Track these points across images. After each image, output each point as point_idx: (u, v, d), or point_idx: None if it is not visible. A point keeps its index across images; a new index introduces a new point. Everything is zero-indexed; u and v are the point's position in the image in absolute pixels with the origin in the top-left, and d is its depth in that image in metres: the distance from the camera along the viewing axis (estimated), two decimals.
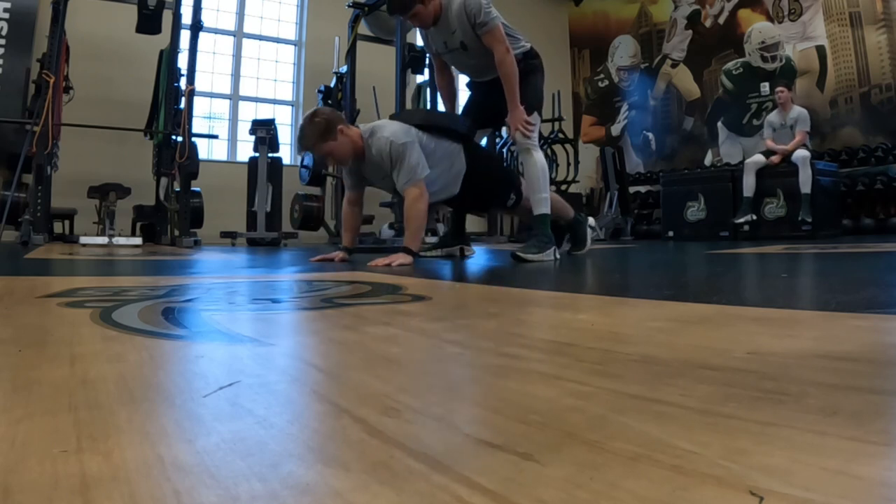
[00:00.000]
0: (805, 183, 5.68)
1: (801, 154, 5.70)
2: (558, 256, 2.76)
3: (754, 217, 5.94)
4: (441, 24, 2.68)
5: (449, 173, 2.75)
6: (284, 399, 0.48)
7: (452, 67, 3.00)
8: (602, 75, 10.37)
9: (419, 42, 6.51)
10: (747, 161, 6.11)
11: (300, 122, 2.61)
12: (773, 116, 6.06)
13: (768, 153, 5.94)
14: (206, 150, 7.28)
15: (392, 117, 2.92)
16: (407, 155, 2.55)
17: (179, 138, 5.31)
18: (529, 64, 2.79)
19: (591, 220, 3.21)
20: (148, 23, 5.24)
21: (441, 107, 3.23)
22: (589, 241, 3.15)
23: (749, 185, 5.99)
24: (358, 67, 6.51)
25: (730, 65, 8.55)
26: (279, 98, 8.48)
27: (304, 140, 2.57)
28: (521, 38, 2.81)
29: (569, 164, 8.45)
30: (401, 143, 2.55)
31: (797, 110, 5.87)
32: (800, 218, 5.68)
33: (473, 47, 2.68)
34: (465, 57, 2.76)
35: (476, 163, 2.83)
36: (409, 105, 6.87)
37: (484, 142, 5.72)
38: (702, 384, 0.50)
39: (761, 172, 5.94)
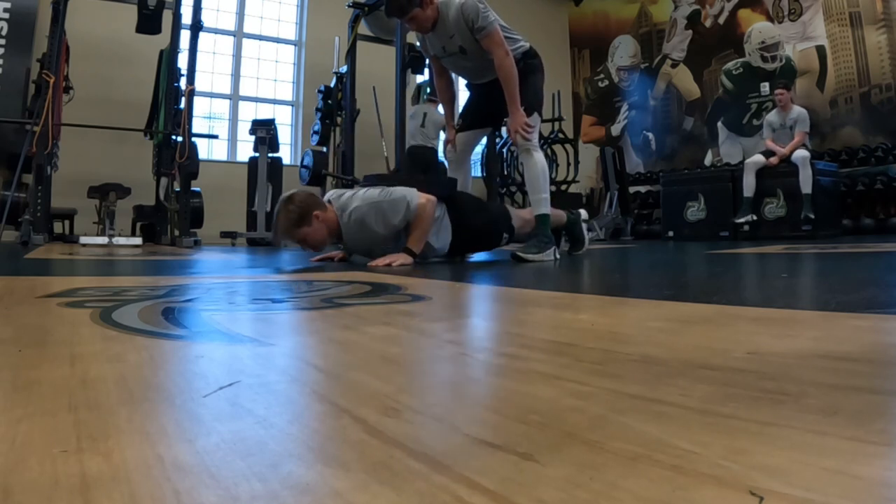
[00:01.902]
0: (805, 183, 5.67)
1: (801, 154, 5.70)
2: (558, 256, 2.76)
3: (754, 217, 5.93)
4: (439, 29, 2.68)
5: (436, 237, 2.66)
6: (284, 399, 0.48)
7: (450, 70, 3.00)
8: (602, 75, 10.36)
9: (418, 42, 6.51)
10: (747, 161, 6.11)
11: (279, 199, 2.51)
12: (772, 116, 6.05)
13: (768, 153, 5.94)
14: (206, 150, 7.28)
15: (365, 178, 2.87)
16: (388, 201, 2.46)
17: (179, 138, 5.32)
18: (528, 64, 2.79)
19: (583, 213, 3.20)
20: (148, 23, 5.24)
21: (441, 107, 3.21)
22: (587, 239, 3.15)
23: (749, 184, 5.98)
24: (358, 67, 6.51)
25: (730, 65, 8.55)
26: (279, 98, 8.48)
27: (278, 228, 2.48)
28: (519, 39, 2.81)
29: (569, 164, 8.45)
30: (375, 202, 2.47)
31: (797, 110, 5.86)
32: (802, 216, 5.66)
33: (472, 51, 2.68)
34: (463, 60, 2.76)
35: (464, 219, 2.75)
36: (408, 105, 6.86)
37: (484, 141, 5.74)
38: (702, 384, 0.50)
39: (761, 172, 5.94)
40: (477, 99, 2.99)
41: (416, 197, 2.48)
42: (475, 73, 2.86)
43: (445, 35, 2.69)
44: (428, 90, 6.69)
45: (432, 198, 2.53)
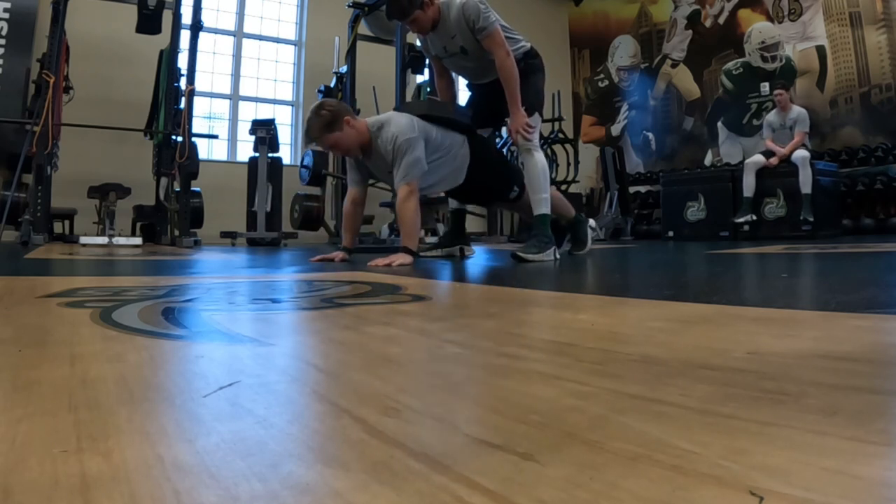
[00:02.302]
0: (805, 183, 5.67)
1: (801, 154, 5.70)
2: (558, 256, 2.76)
3: (754, 217, 5.93)
4: (440, 29, 2.69)
5: (453, 163, 2.77)
6: (284, 399, 0.48)
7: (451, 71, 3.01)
8: (602, 75, 10.37)
9: (419, 42, 6.51)
10: (747, 161, 6.11)
11: (307, 114, 2.61)
12: (772, 116, 6.05)
13: (768, 153, 5.94)
14: (206, 150, 7.29)
15: (397, 108, 2.92)
16: (408, 152, 2.56)
17: (179, 138, 5.31)
18: (529, 64, 2.79)
19: (591, 222, 3.22)
20: (148, 23, 5.24)
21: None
22: (590, 241, 3.16)
23: (749, 184, 5.98)
24: (358, 67, 6.51)
25: (730, 65, 8.55)
26: (279, 98, 8.48)
27: (311, 131, 2.57)
28: (520, 39, 2.81)
29: (569, 164, 8.45)
30: (405, 139, 2.56)
31: (797, 111, 5.86)
32: (801, 217, 5.66)
33: (473, 51, 2.69)
34: (464, 60, 2.76)
35: (480, 155, 2.85)
36: None
37: None
38: (702, 384, 0.50)
39: (761, 172, 5.94)
40: (478, 99, 2.99)
41: (411, 180, 2.56)
42: (476, 74, 2.86)
43: (447, 35, 2.69)
44: (428, 90, 6.69)
45: (416, 194, 2.59)
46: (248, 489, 0.30)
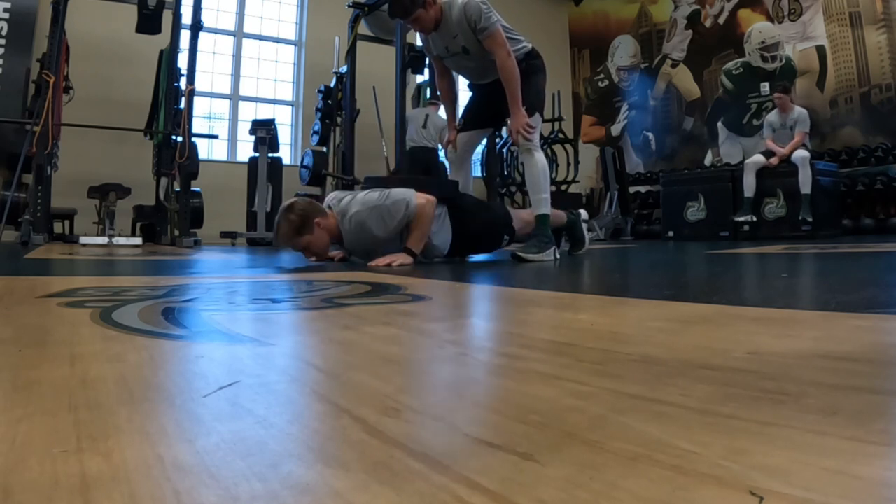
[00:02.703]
0: (805, 183, 5.66)
1: (801, 154, 5.69)
2: (558, 256, 2.76)
3: (754, 218, 5.92)
4: (442, 29, 2.69)
5: (437, 236, 2.67)
6: (284, 399, 0.48)
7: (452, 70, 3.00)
8: (602, 75, 10.36)
9: (419, 42, 6.51)
10: (747, 161, 6.09)
11: (279, 214, 2.49)
12: (772, 116, 6.04)
13: (768, 153, 5.94)
14: (206, 150, 7.28)
15: (366, 181, 2.86)
16: (388, 204, 2.46)
17: (179, 138, 5.32)
18: (531, 64, 2.79)
19: (583, 213, 3.20)
20: (148, 23, 5.24)
21: (443, 110, 3.19)
22: (587, 239, 3.15)
23: (749, 184, 5.97)
24: (358, 67, 6.51)
25: (730, 65, 8.55)
26: (279, 98, 8.48)
27: (280, 237, 2.48)
28: (521, 39, 2.81)
29: (569, 164, 8.45)
30: (374, 205, 2.47)
31: (797, 111, 5.85)
32: (800, 217, 5.65)
33: (475, 51, 2.69)
34: (466, 60, 2.76)
35: (465, 221, 2.76)
36: (409, 106, 6.86)
37: (483, 142, 5.74)
38: (702, 384, 0.50)
39: (761, 172, 5.93)
40: (479, 99, 2.99)
41: (414, 197, 2.49)
42: (477, 74, 2.86)
43: (448, 35, 2.69)
44: (429, 91, 6.70)
45: (431, 198, 2.54)
46: (248, 489, 0.30)
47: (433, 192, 2.67)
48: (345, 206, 2.56)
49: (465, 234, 2.77)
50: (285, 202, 2.56)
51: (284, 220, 2.44)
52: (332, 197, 2.70)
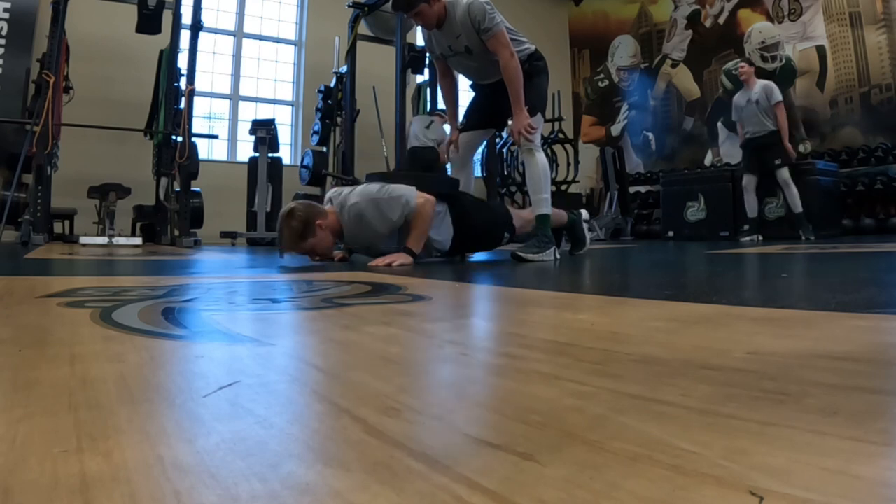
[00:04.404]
0: (794, 203, 5.45)
1: (783, 177, 5.44)
2: (558, 256, 2.76)
3: (760, 238, 5.66)
4: (445, 28, 2.69)
5: (437, 234, 2.67)
6: (284, 399, 0.48)
7: (454, 70, 3.00)
8: (602, 75, 10.37)
9: (419, 42, 6.52)
10: (744, 183, 5.82)
11: (280, 218, 2.49)
12: (738, 97, 5.72)
13: (748, 147, 5.63)
14: (206, 150, 7.29)
15: (368, 177, 2.88)
16: (386, 196, 2.47)
17: (179, 138, 5.32)
18: (534, 66, 2.80)
19: (584, 213, 3.20)
20: (148, 23, 5.24)
21: (442, 106, 3.19)
22: (588, 239, 3.16)
23: (752, 205, 5.77)
24: (358, 67, 6.52)
25: (730, 65, 8.55)
26: (279, 98, 8.48)
27: (284, 243, 2.49)
28: (524, 41, 2.82)
29: (569, 164, 8.45)
30: (373, 198, 2.47)
31: (760, 84, 5.53)
32: (802, 238, 5.36)
33: (478, 51, 2.69)
34: (468, 60, 2.77)
35: (466, 218, 2.77)
36: (408, 105, 6.87)
37: (484, 142, 5.75)
38: (702, 384, 0.50)
39: (761, 182, 5.70)
40: (481, 100, 2.99)
41: (414, 196, 2.49)
42: (480, 74, 2.87)
43: (452, 35, 2.69)
44: (429, 93, 6.69)
45: (431, 197, 2.54)
46: (248, 489, 0.30)
47: (434, 188, 2.68)
48: (344, 197, 2.57)
49: (466, 232, 2.78)
50: (284, 208, 2.55)
51: (287, 227, 2.45)
52: (333, 191, 2.71)
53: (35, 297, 1.16)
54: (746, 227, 5.85)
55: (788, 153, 5.48)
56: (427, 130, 6.32)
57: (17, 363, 0.60)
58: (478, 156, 7.64)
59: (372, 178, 2.88)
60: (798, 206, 5.48)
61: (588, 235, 3.17)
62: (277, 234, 2.54)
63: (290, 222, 2.44)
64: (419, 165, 6.12)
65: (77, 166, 6.03)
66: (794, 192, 5.47)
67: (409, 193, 2.49)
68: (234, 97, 8.09)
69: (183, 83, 5.49)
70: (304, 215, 2.45)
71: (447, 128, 4.09)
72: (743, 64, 5.67)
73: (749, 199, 5.80)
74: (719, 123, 8.70)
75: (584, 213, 3.22)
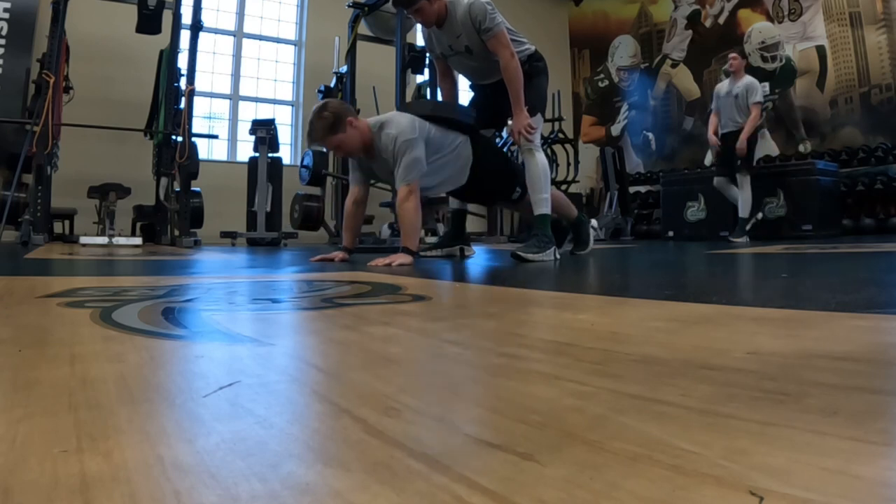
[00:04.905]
0: (743, 207, 5.33)
1: (739, 177, 5.33)
2: (558, 256, 2.76)
3: (748, 239, 5.46)
4: (446, 28, 2.69)
5: (456, 164, 2.76)
6: (284, 399, 0.48)
7: (454, 70, 3.01)
8: (602, 75, 10.37)
9: (419, 42, 6.52)
10: (716, 184, 5.62)
11: (309, 115, 2.61)
12: (720, 86, 5.60)
13: (726, 147, 5.44)
14: (206, 150, 7.29)
15: (401, 108, 2.92)
16: (408, 152, 2.55)
17: (179, 138, 5.32)
18: (534, 66, 2.80)
19: (593, 222, 3.23)
20: (148, 23, 5.24)
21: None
22: (591, 242, 3.16)
23: (735, 198, 5.50)
24: (358, 67, 6.51)
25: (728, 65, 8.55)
26: (279, 98, 8.48)
27: (314, 133, 2.56)
28: (524, 41, 2.82)
29: (569, 164, 8.45)
30: (405, 140, 2.55)
31: (747, 80, 5.38)
32: (730, 239, 5.30)
33: (478, 51, 2.69)
34: (469, 60, 2.77)
35: (482, 155, 2.84)
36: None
37: None
38: (702, 384, 0.50)
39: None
40: (481, 100, 3.00)
41: (411, 181, 2.55)
42: (480, 74, 2.87)
43: (452, 34, 2.70)
44: (428, 90, 6.68)
45: (416, 194, 2.58)
46: (248, 489, 0.30)
47: (466, 118, 2.80)
48: (385, 119, 2.65)
49: (483, 168, 2.83)
50: (318, 103, 2.63)
51: (317, 118, 2.51)
52: (374, 118, 2.75)
53: (35, 297, 1.16)
54: (752, 221, 5.52)
55: (740, 150, 5.27)
56: None
57: (17, 363, 0.60)
58: None
59: (416, 106, 2.93)
60: (745, 212, 5.37)
61: (592, 239, 3.18)
62: (308, 126, 2.61)
63: (322, 113, 2.53)
64: None
65: (77, 166, 6.03)
66: (746, 198, 5.35)
67: (412, 174, 2.56)
68: (234, 97, 8.09)
69: (183, 83, 5.49)
70: (336, 110, 2.54)
71: None
72: (734, 55, 5.55)
73: (730, 194, 5.56)
74: None
75: (594, 222, 3.24)
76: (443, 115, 2.78)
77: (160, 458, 0.34)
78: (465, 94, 3.31)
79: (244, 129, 7.36)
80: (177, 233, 5.42)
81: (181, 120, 5.30)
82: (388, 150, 2.59)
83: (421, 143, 2.59)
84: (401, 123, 2.61)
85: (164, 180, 5.80)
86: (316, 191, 6.83)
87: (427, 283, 1.63)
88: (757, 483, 0.29)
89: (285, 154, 7.62)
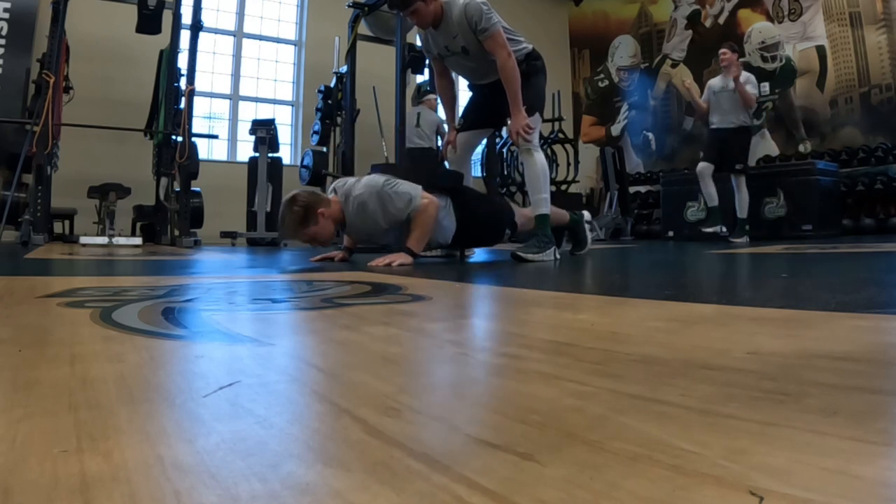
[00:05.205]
0: (741, 207, 5.34)
1: (736, 180, 5.32)
2: (558, 256, 2.76)
3: (724, 229, 5.42)
4: (442, 29, 2.69)
5: (440, 225, 2.69)
6: (284, 399, 0.48)
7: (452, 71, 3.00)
8: (602, 75, 10.37)
9: (419, 42, 6.52)
10: (698, 170, 5.53)
11: (282, 205, 2.53)
12: (714, 80, 5.50)
13: (712, 135, 5.38)
14: (206, 150, 7.28)
15: (373, 168, 2.90)
16: (391, 191, 2.48)
17: (179, 138, 5.32)
18: (531, 65, 2.79)
19: (586, 214, 3.21)
20: (148, 23, 5.24)
21: (439, 107, 3.20)
22: (589, 239, 3.16)
23: (710, 194, 5.44)
24: (358, 67, 6.51)
25: None
26: (279, 98, 8.48)
27: (285, 229, 2.52)
28: (521, 40, 2.81)
29: (569, 164, 8.45)
30: (378, 189, 2.48)
31: (744, 75, 5.27)
32: (729, 238, 5.29)
33: (474, 51, 2.69)
34: (466, 60, 2.76)
35: (468, 212, 2.79)
36: (408, 105, 6.85)
37: (484, 142, 5.74)
38: (702, 384, 0.50)
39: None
40: (479, 100, 2.99)
41: (419, 195, 2.50)
42: (477, 74, 2.86)
43: (448, 35, 2.69)
44: (428, 88, 6.68)
45: (435, 200, 2.55)
46: (248, 489, 0.30)
47: (438, 181, 2.72)
48: (350, 186, 2.59)
49: (469, 225, 2.80)
50: (288, 194, 2.59)
51: (289, 212, 2.48)
52: (338, 181, 2.73)
53: (35, 297, 1.16)
54: (714, 230, 5.45)
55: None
56: (417, 129, 6.29)
57: (17, 363, 0.60)
58: (477, 156, 7.65)
59: (377, 169, 2.90)
60: (744, 213, 5.36)
61: (590, 236, 3.17)
62: (279, 221, 2.57)
63: (293, 208, 2.47)
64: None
65: (77, 166, 6.03)
66: (744, 198, 5.34)
67: (414, 192, 2.50)
68: (234, 97, 8.09)
69: (183, 83, 5.49)
70: (306, 202, 2.48)
71: (441, 111, 4.10)
72: (725, 50, 5.35)
73: (707, 189, 5.48)
74: None
75: (587, 215, 3.22)
76: (420, 179, 2.68)
77: (160, 458, 0.34)
78: (463, 94, 3.31)
79: (244, 129, 7.36)
80: (177, 233, 5.42)
81: (181, 120, 5.30)
82: (364, 213, 2.50)
83: (391, 185, 2.51)
84: (364, 181, 2.55)
85: (164, 180, 5.80)
86: (316, 191, 6.82)
87: (427, 283, 1.63)
88: (757, 483, 0.29)
89: (285, 154, 7.62)
